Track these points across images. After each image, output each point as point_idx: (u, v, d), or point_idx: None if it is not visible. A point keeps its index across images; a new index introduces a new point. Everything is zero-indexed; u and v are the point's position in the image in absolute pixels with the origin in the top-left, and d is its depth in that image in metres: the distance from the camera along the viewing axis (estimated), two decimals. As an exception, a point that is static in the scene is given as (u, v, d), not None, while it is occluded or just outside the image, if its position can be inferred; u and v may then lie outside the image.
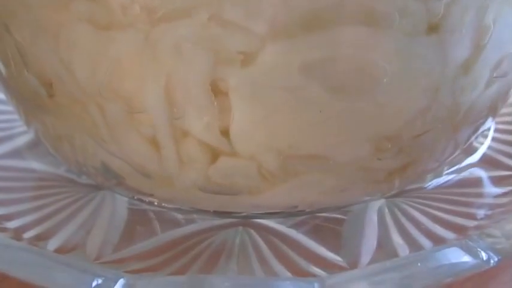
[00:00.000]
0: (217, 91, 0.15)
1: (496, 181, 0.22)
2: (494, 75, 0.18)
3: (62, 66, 0.16)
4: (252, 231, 0.20)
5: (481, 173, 0.23)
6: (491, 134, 0.25)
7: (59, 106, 0.18)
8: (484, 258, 0.14)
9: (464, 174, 0.23)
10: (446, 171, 0.23)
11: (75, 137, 0.19)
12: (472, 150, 0.24)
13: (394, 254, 0.18)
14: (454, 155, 0.21)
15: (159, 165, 0.17)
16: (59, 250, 0.19)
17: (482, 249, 0.15)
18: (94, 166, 0.19)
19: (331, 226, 0.21)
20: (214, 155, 0.17)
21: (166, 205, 0.20)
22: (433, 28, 0.15)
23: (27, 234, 0.19)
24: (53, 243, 0.19)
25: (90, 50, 0.15)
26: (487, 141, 0.24)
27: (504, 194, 0.21)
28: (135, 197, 0.20)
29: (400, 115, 0.16)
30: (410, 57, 0.15)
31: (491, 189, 0.22)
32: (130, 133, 0.17)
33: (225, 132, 0.16)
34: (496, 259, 0.15)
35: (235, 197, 0.18)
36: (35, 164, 0.23)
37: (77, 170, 0.21)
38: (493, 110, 0.21)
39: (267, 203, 0.19)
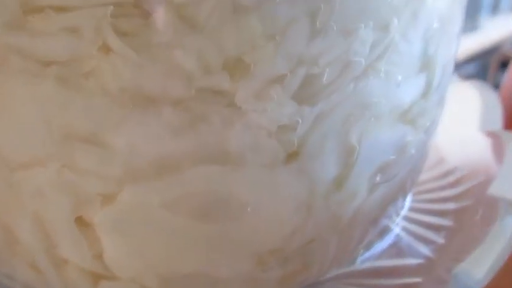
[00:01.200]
0: (84, 223, 0.16)
1: (404, 271, 0.22)
2: (377, 181, 0.18)
3: None
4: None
5: (390, 261, 0.23)
6: (404, 212, 0.25)
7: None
8: None
9: (376, 260, 0.23)
10: (361, 255, 0.23)
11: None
12: (385, 232, 0.24)
13: None
14: (363, 243, 0.21)
15: (46, 287, 0.18)
16: None
17: None
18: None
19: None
20: (96, 278, 0.17)
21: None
22: (291, 156, 0.15)
23: None
24: None
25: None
26: (399, 221, 0.25)
27: (408, 286, 0.21)
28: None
29: (273, 234, 0.17)
30: (272, 186, 0.15)
31: (398, 280, 0.22)
32: (14, 259, 0.17)
33: (101, 258, 0.16)
34: None
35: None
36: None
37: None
38: (398, 199, 0.21)
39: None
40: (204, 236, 0.16)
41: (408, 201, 0.25)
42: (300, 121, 0.15)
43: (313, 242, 0.18)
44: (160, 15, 0.13)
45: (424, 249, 0.23)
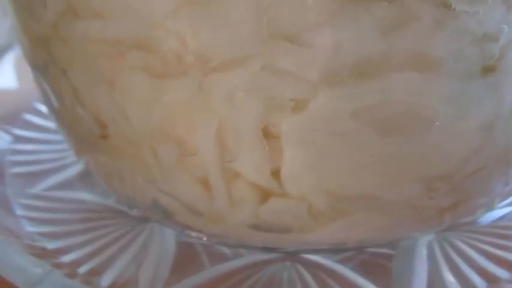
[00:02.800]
0: (268, 135, 0.15)
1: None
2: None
3: (117, 111, 0.17)
4: (300, 266, 0.20)
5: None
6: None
7: (112, 146, 0.18)
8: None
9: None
10: (498, 204, 0.23)
11: (126, 174, 0.19)
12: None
13: (445, 292, 0.18)
14: (507, 188, 0.21)
15: (209, 205, 0.17)
16: (111, 286, 0.20)
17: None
18: (144, 202, 0.20)
19: (380, 261, 0.20)
20: (265, 195, 0.17)
21: (214, 240, 0.20)
22: (488, 70, 0.15)
23: (82, 269, 0.20)
24: (106, 279, 0.20)
25: (144, 96, 0.16)
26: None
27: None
28: (184, 232, 0.21)
29: (452, 155, 0.16)
30: (464, 100, 0.15)
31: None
32: (181, 174, 0.17)
33: (276, 174, 0.16)
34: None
35: (285, 234, 0.18)
36: (86, 195, 0.24)
37: (127, 204, 0.22)
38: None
39: (316, 240, 0.18)
40: (383, 153, 0.16)
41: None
42: (506, 29, 0.14)
43: (481, 171, 0.17)
44: None
45: None
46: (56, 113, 0.20)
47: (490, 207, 0.22)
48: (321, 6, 0.13)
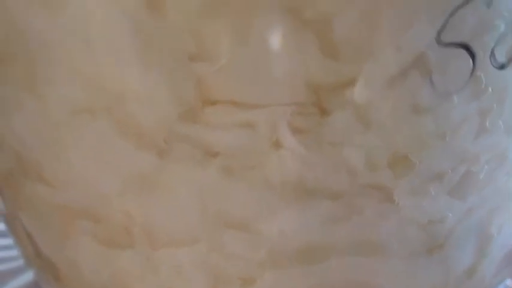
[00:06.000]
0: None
1: None
2: (503, 266, 0.18)
3: (68, 261, 0.17)
4: None
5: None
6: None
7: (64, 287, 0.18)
8: None
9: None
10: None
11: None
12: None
13: None
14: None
15: None
16: None
17: None
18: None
19: None
20: None
21: None
22: (435, 247, 0.15)
23: None
24: None
25: (94, 258, 0.16)
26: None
27: None
28: None
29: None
30: (410, 276, 0.15)
31: None
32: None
33: None
34: None
35: None
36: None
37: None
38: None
39: None
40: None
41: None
42: (450, 215, 0.14)
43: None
44: (340, 115, 0.12)
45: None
46: (12, 232, 0.20)
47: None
48: (268, 202, 0.13)
